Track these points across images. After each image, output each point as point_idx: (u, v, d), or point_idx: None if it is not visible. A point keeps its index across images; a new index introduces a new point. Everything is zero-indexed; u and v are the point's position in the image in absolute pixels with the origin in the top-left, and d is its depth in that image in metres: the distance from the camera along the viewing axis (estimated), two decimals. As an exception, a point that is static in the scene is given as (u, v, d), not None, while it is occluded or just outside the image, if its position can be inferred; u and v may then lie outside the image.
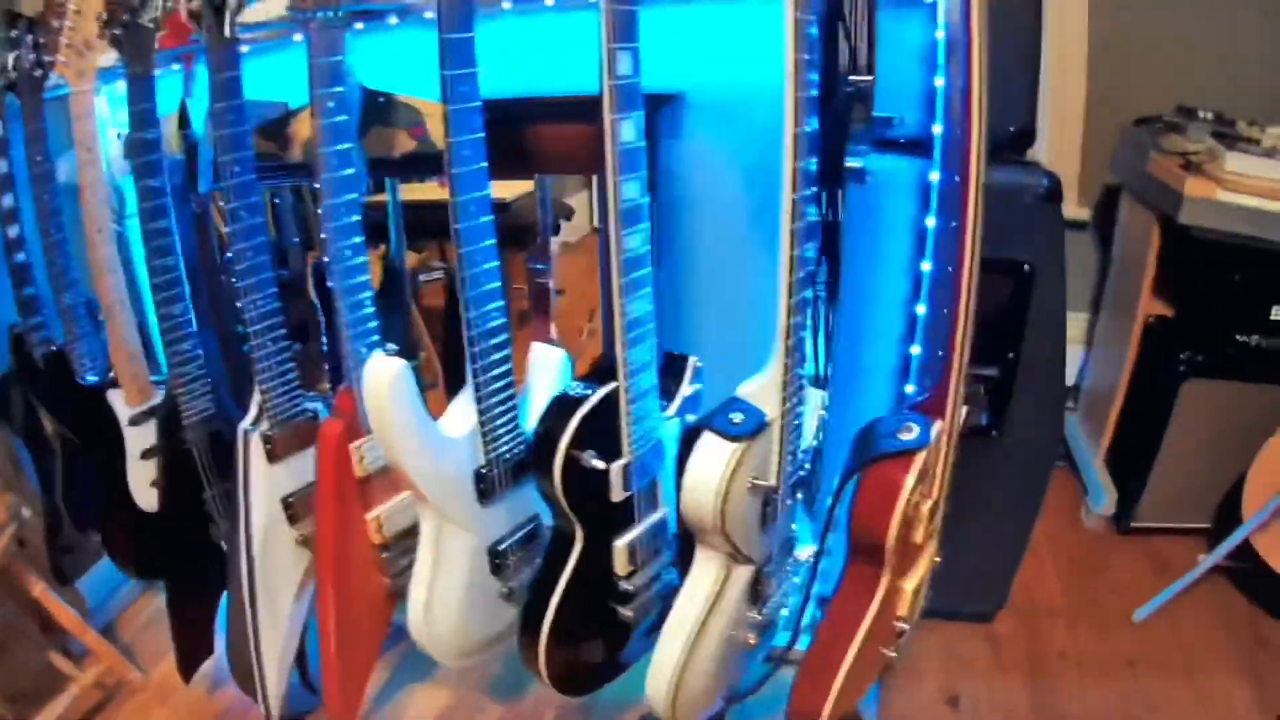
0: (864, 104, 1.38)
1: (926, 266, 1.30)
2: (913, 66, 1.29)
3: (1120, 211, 2.03)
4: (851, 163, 1.35)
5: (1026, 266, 1.40)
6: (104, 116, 1.59)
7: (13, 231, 1.51)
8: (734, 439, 1.05)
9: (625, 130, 1.01)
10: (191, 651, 1.55)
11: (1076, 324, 2.25)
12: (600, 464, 1.12)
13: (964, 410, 1.21)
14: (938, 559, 1.30)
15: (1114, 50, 1.99)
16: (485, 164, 1.11)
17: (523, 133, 1.38)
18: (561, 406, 1.12)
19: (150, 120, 1.33)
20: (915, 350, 1.36)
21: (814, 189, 1.04)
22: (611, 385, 1.12)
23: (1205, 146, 1.69)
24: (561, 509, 1.14)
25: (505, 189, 1.67)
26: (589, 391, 1.12)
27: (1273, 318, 1.71)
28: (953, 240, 1.11)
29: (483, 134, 1.09)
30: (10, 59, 1.42)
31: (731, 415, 1.07)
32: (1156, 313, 1.86)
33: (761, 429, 1.07)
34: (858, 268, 1.40)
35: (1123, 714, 1.53)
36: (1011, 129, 1.36)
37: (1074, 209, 2.15)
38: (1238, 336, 1.73)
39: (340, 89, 1.18)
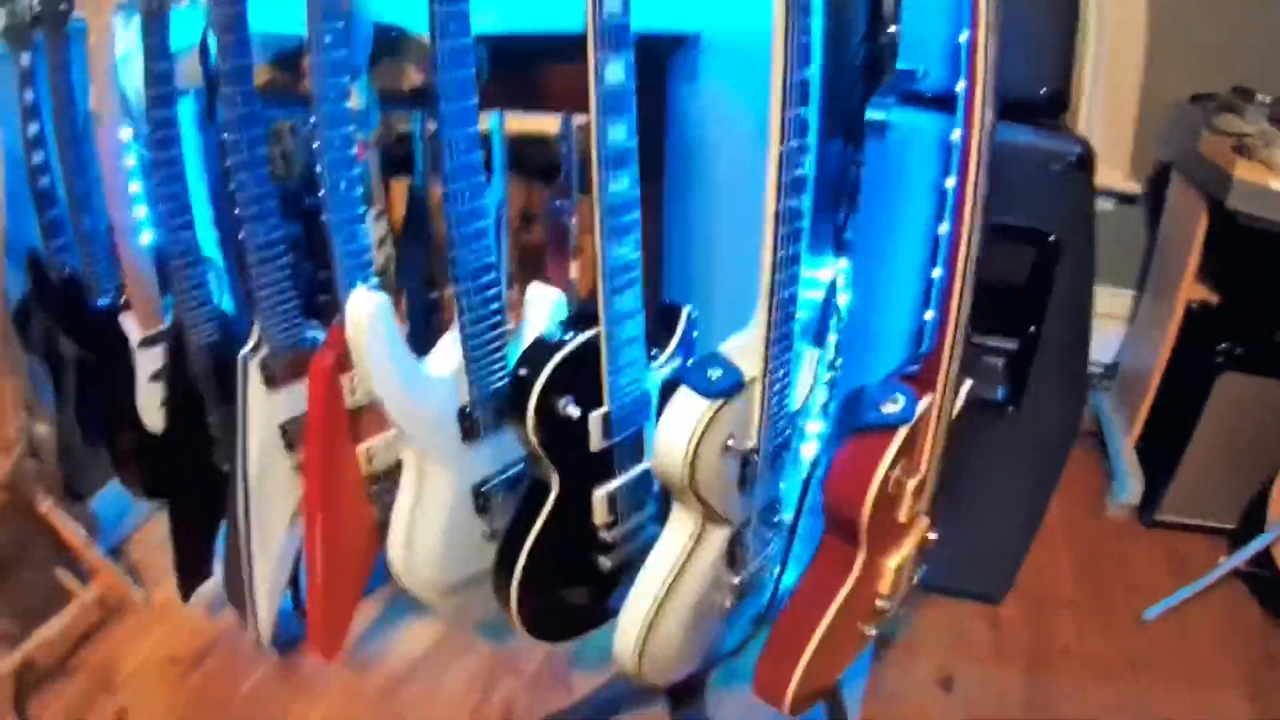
0: (887, 56, 1.34)
1: (945, 229, 1.25)
2: (940, 18, 1.24)
3: (1169, 190, 1.94)
4: (873, 115, 1.30)
5: (1052, 237, 1.33)
6: (129, 47, 1.61)
7: (37, 158, 1.55)
8: (709, 396, 1.02)
9: (612, 71, 0.98)
10: (191, 573, 1.58)
11: (1121, 301, 2.16)
12: (575, 411, 1.10)
13: (967, 383, 1.17)
14: (932, 536, 1.26)
15: (1175, 23, 1.89)
16: (475, 101, 1.09)
17: (541, 69, 1.37)
18: (539, 350, 1.10)
19: (163, 53, 1.34)
20: (929, 316, 1.31)
21: (805, 140, 1.00)
22: (592, 332, 1.10)
23: (1260, 130, 1.59)
24: (535, 454, 1.13)
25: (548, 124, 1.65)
26: (568, 336, 1.10)
27: (1319, 314, 1.62)
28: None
29: (472, 72, 1.07)
30: (35, -7, 1.45)
31: (710, 371, 1.04)
32: (1199, 298, 1.77)
33: (739, 388, 1.04)
34: (874, 225, 1.35)
35: (1118, 717, 1.48)
36: (1042, 92, 1.29)
37: (1125, 183, 2.06)
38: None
39: (338, 23, 1.16)
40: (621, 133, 1.01)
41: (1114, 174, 2.04)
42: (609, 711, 1.47)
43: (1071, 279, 1.36)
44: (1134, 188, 2.06)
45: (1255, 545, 1.56)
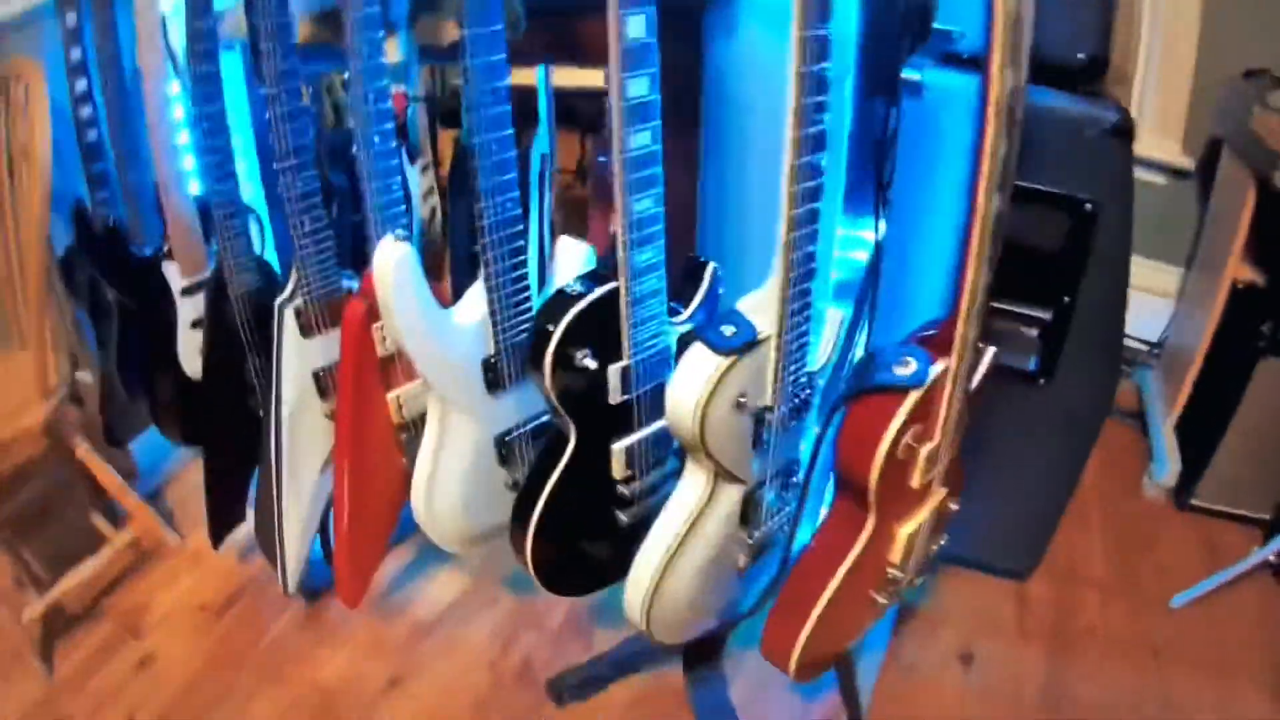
0: (926, 16, 1.32)
1: (979, 191, 1.24)
2: (979, -22, 1.22)
3: (1220, 166, 1.88)
4: (909, 75, 1.29)
5: (1088, 205, 1.31)
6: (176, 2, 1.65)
7: (85, 113, 1.59)
8: (721, 352, 1.02)
9: (633, 25, 0.98)
10: (223, 518, 1.63)
11: (1170, 277, 2.11)
12: (592, 364, 1.11)
13: (990, 350, 1.15)
14: (953, 507, 1.24)
15: (1231, -3, 1.83)
16: (504, 55, 1.10)
17: (590, 23, 1.37)
18: (558, 302, 1.11)
19: (205, 9, 1.37)
20: (962, 279, 1.30)
21: (823, 97, 0.99)
22: (611, 285, 1.11)
23: (1312, 107, 1.55)
24: (553, 405, 1.14)
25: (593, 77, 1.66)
26: (587, 289, 1.11)
27: (1364, 301, 1.56)
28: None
29: (500, 26, 1.08)
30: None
31: (724, 328, 1.04)
32: (1246, 279, 1.72)
33: (753, 345, 1.04)
34: (911, 185, 1.34)
35: (1135, 705, 1.45)
36: (1081, 56, 1.27)
37: (1178, 156, 2.01)
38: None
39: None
40: (643, 87, 1.02)
41: (1167, 147, 1.99)
42: (627, 669, 1.48)
43: (1108, 249, 1.34)
44: (1186, 163, 2.01)
45: (1287, 537, 1.52)
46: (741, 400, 1.06)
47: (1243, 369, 1.63)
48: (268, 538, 1.50)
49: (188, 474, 1.90)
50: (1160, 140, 2.00)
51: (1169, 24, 1.85)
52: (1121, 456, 1.94)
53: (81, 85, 1.60)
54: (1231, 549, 1.69)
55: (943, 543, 1.28)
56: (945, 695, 1.46)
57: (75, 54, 1.59)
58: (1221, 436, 1.68)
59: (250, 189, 1.65)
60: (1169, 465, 1.83)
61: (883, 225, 1.40)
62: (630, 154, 1.03)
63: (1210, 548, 1.73)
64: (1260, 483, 1.71)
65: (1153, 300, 2.10)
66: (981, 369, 1.13)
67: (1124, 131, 1.27)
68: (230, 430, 1.55)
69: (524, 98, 1.66)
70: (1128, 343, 2.14)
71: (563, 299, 1.11)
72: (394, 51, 1.42)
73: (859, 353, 1.32)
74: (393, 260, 1.14)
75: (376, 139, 1.24)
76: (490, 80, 1.10)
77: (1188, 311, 2.02)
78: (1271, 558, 1.59)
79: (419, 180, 1.60)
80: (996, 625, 1.57)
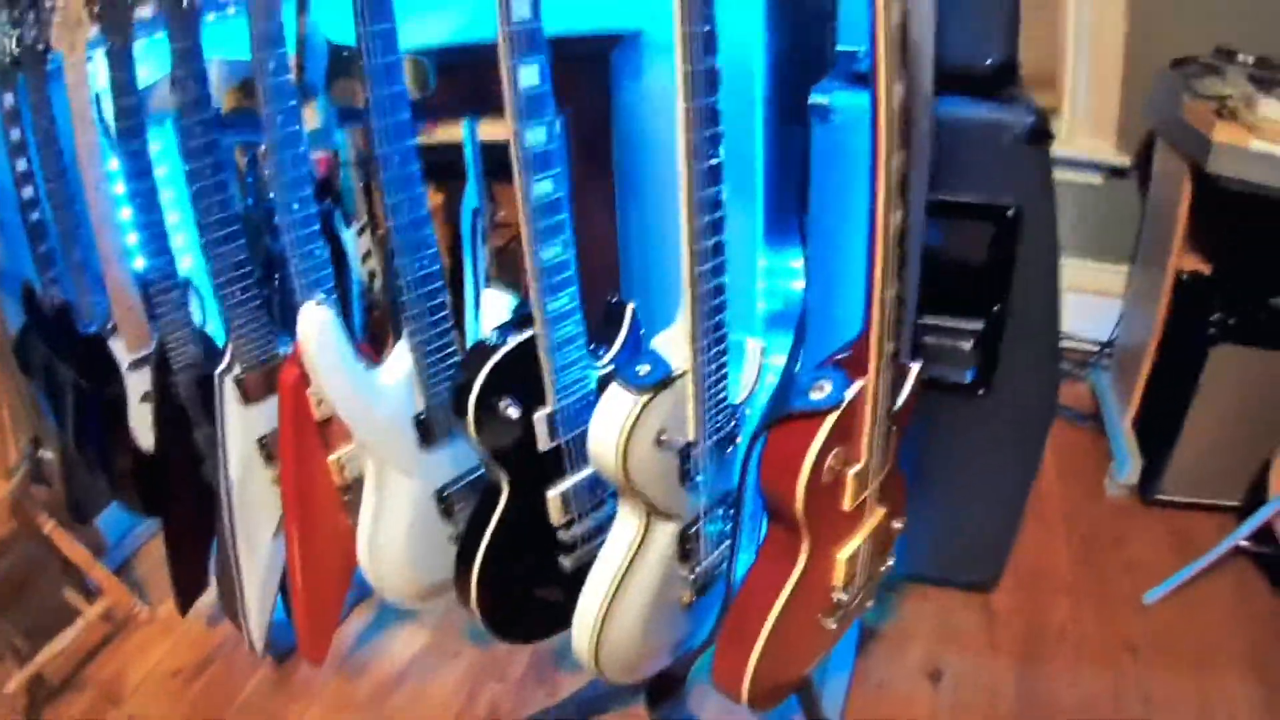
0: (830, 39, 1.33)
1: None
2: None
3: (1155, 159, 1.88)
4: (816, 99, 1.30)
5: (1010, 211, 1.31)
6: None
7: (27, 193, 1.61)
8: (637, 390, 1.03)
9: (526, 75, 0.99)
10: (188, 587, 1.63)
11: (1116, 277, 2.11)
12: (515, 413, 1.12)
13: (915, 366, 1.15)
14: (896, 525, 1.24)
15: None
16: (408, 116, 1.11)
17: (491, 76, 1.39)
18: (477, 353, 1.12)
19: (130, 89, 1.39)
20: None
21: (719, 130, 1.00)
22: (528, 333, 1.11)
23: (1241, 91, 1.54)
24: (483, 456, 1.15)
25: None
26: (504, 339, 1.12)
27: (1312, 282, 1.56)
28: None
29: (403, 88, 1.10)
30: (15, 36, 1.51)
31: (639, 366, 1.05)
32: (1190, 269, 1.72)
33: (668, 381, 1.04)
34: (827, 209, 1.34)
35: (1115, 705, 1.44)
36: (989, 61, 1.27)
37: (1114, 154, 2.01)
38: (1273, 300, 1.58)
39: (281, 49, 1.20)
40: (541, 135, 1.03)
41: (1102, 147, 2.00)
42: (591, 711, 1.48)
43: (1035, 253, 1.33)
44: (1123, 160, 2.01)
45: (1256, 519, 1.51)
46: (663, 437, 1.06)
47: (1195, 358, 1.63)
48: (231, 603, 1.51)
49: (154, 545, 1.90)
50: (1095, 140, 2.00)
51: (1095, 23, 1.86)
52: (1081, 459, 1.93)
53: (22, 165, 1.62)
54: (1202, 539, 1.68)
55: (891, 562, 1.28)
56: (916, 712, 1.44)
57: (15, 134, 1.62)
58: (1181, 428, 1.68)
59: (192, 261, 1.67)
60: (1130, 463, 1.82)
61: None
62: (533, 203, 1.04)
63: (1181, 540, 1.72)
64: (1225, 469, 1.70)
65: (1101, 301, 2.09)
66: (907, 385, 1.13)
67: (1041, 133, 1.27)
68: (186, 500, 1.56)
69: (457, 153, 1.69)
70: (1078, 345, 2.15)
71: (481, 350, 1.12)
72: (312, 117, 1.44)
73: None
74: (315, 324, 1.15)
75: (295, 206, 1.25)
76: (396, 141, 1.12)
77: (1135, 308, 2.02)
78: (1243, 542, 1.57)
79: (356, 243, 1.61)
80: (964, 639, 1.56)
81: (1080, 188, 2.01)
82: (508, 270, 1.75)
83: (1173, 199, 1.71)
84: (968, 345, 1.40)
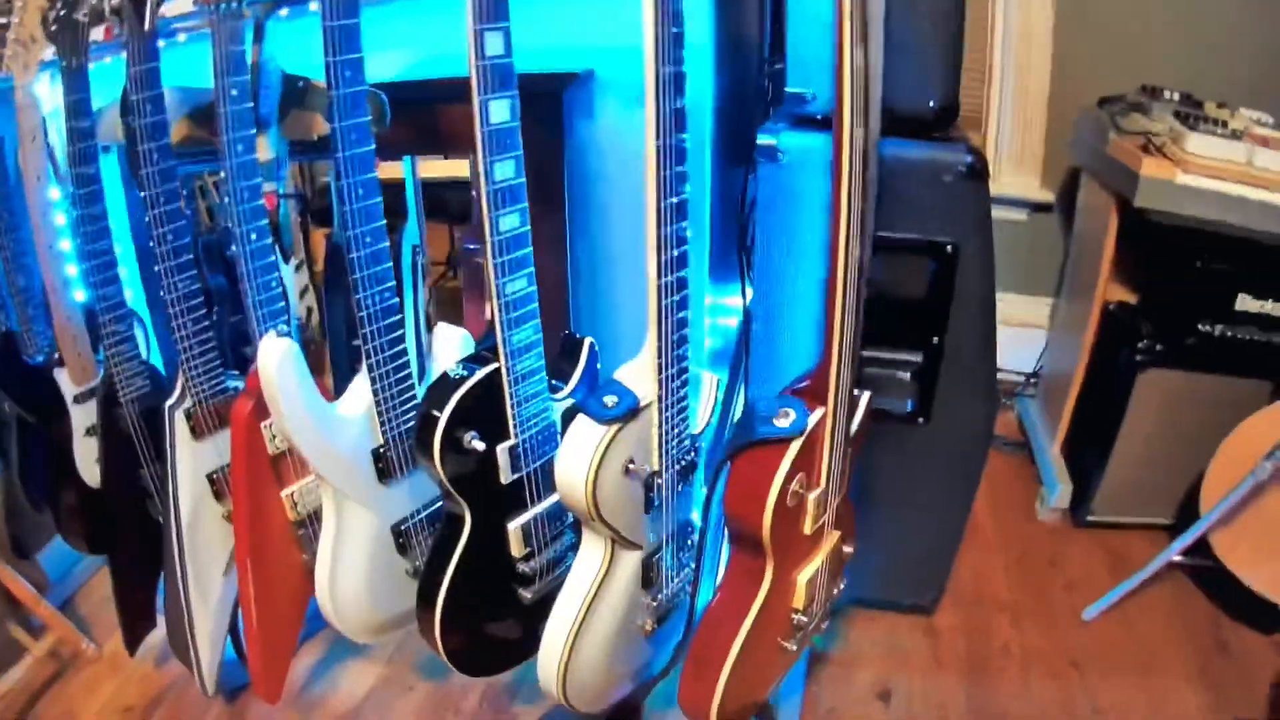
0: (775, 80, 1.37)
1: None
2: (827, 40, 1.27)
3: (1080, 194, 1.97)
4: (764, 139, 1.34)
5: (949, 247, 1.36)
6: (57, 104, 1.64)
7: (-31, 221, 1.57)
8: (604, 422, 1.05)
9: (497, 111, 1.01)
10: (136, 625, 1.59)
11: (1040, 309, 2.19)
12: (480, 445, 1.13)
13: (865, 395, 1.19)
14: (847, 549, 1.28)
15: (1080, 27, 1.93)
16: (372, 147, 1.12)
17: (445, 113, 1.40)
18: (441, 387, 1.13)
19: (84, 111, 1.37)
20: (830, 332, 1.34)
21: (683, 168, 1.03)
22: (493, 366, 1.12)
23: (1167, 127, 1.63)
24: (445, 489, 1.15)
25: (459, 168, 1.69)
26: (468, 372, 1.13)
27: (1236, 307, 1.64)
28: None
29: (368, 119, 1.11)
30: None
31: (605, 398, 1.06)
32: (1117, 299, 1.80)
33: (634, 412, 1.06)
34: (773, 247, 1.38)
35: (1067, 715, 1.49)
36: (932, 104, 1.32)
37: (1038, 191, 2.09)
38: (1200, 326, 1.66)
39: (243, 77, 1.20)
40: (509, 170, 1.05)
41: (1027, 183, 2.08)
42: (550, 740, 1.48)
43: (972, 287, 1.39)
44: (1047, 196, 2.10)
45: (1188, 535, 1.57)
46: (629, 467, 1.08)
47: (1123, 383, 1.70)
48: (180, 642, 1.48)
49: (98, 582, 1.85)
50: (1020, 178, 2.08)
51: (1020, 63, 1.94)
52: (1012, 485, 2.00)
53: (-32, 192, 1.58)
54: (1137, 557, 1.74)
55: (843, 585, 1.31)
56: (870, 733, 1.48)
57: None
58: (1111, 451, 1.75)
59: (131, 293, 1.64)
60: (1060, 487, 1.89)
61: (749, 291, 1.44)
62: (500, 236, 1.06)
63: (1114, 559, 1.79)
64: (1154, 490, 1.78)
65: (1026, 332, 2.18)
66: (859, 414, 1.17)
67: (979, 172, 1.33)
68: (133, 537, 1.52)
69: (393, 191, 1.69)
70: (1006, 375, 2.23)
71: (446, 383, 1.13)
72: (264, 149, 1.43)
73: (737, 415, 1.35)
74: (276, 356, 1.14)
75: (253, 236, 1.25)
76: (360, 172, 1.12)
77: (1062, 338, 2.10)
78: (1178, 557, 1.64)
79: (293, 279, 1.60)
80: (910, 659, 1.60)
81: (1006, 224, 2.09)
82: (443, 307, 1.76)
83: (1099, 232, 1.79)
84: (907, 376, 1.45)
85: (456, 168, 1.71)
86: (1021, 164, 2.05)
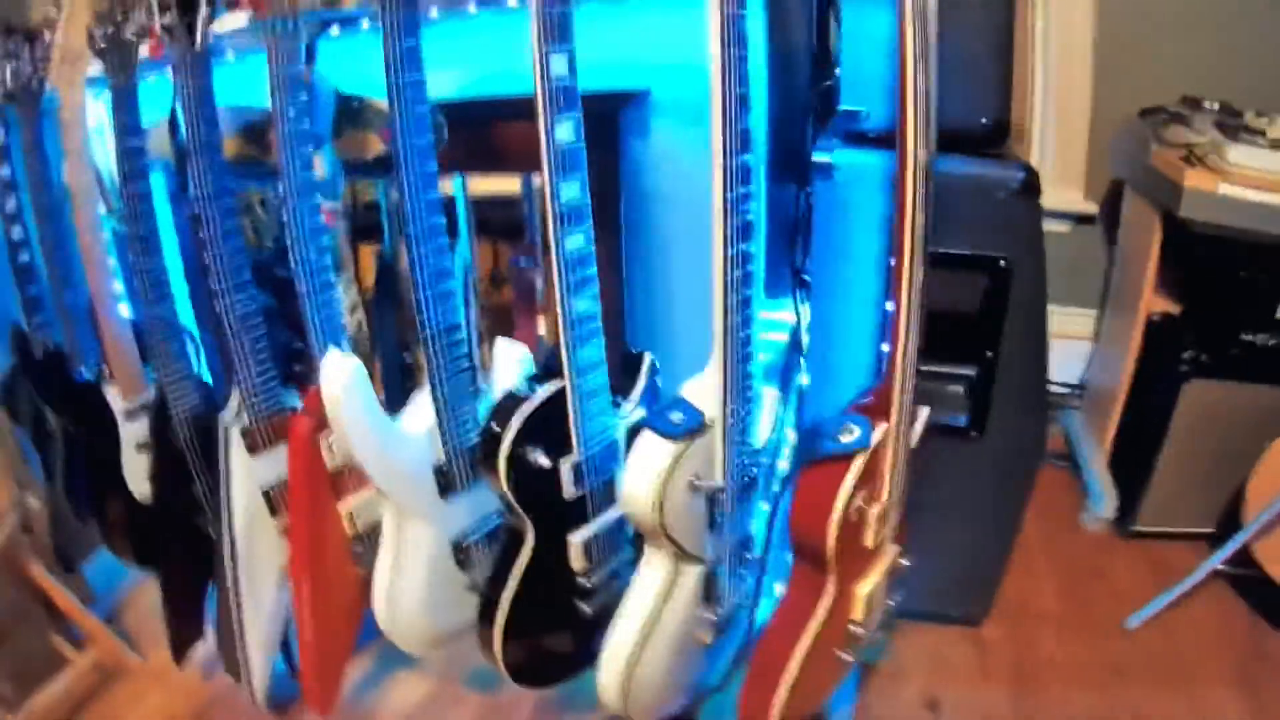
0: (830, 98, 1.38)
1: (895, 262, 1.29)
2: (880, 59, 1.28)
3: (1124, 206, 1.98)
4: (819, 157, 1.35)
5: (1002, 262, 1.37)
6: (101, 121, 1.66)
7: (16, 234, 1.58)
8: (671, 438, 1.05)
9: (562, 131, 1.02)
10: (183, 636, 1.60)
11: (1084, 321, 2.20)
12: (545, 462, 1.13)
13: (924, 410, 1.20)
14: (904, 562, 1.28)
15: (1121, 40, 1.94)
16: (435, 167, 1.13)
17: (499, 131, 1.41)
18: (508, 404, 1.13)
19: (133, 129, 1.38)
20: (885, 348, 1.34)
21: (749, 187, 1.04)
22: (558, 384, 1.13)
23: (1208, 138, 1.64)
24: (510, 506, 1.16)
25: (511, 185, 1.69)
26: (534, 390, 1.13)
27: (1279, 317, 1.65)
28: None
29: (431, 138, 1.11)
30: (9, 70, 1.49)
31: (671, 415, 1.07)
32: (1160, 310, 1.81)
33: (700, 429, 1.07)
34: (828, 263, 1.39)
35: (1107, 721, 1.49)
36: (984, 121, 1.33)
37: (1082, 203, 2.10)
38: (1243, 335, 1.67)
39: (302, 96, 1.21)
40: (574, 190, 1.05)
41: (1070, 196, 2.08)
42: (601, 752, 1.48)
43: (1025, 302, 1.40)
44: (1090, 208, 2.11)
45: (1231, 544, 1.58)
46: (695, 483, 1.09)
47: (1168, 395, 1.71)
48: (231, 654, 1.48)
49: (142, 594, 1.86)
50: (1062, 190, 2.09)
51: (1061, 76, 1.95)
52: (1057, 498, 2.00)
53: (11, 205, 1.59)
54: (1180, 566, 1.74)
55: (897, 597, 1.32)
56: (918, 744, 1.48)
57: (4, 172, 1.59)
58: (1155, 462, 1.75)
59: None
60: (1106, 498, 1.89)
61: (805, 308, 1.45)
62: (566, 256, 1.06)
63: (1159, 569, 1.79)
64: (1200, 499, 1.77)
65: (1070, 344, 2.18)
66: (918, 428, 1.18)
67: (1031, 189, 1.34)
68: (183, 551, 1.53)
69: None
70: (1050, 388, 2.22)
71: (512, 401, 1.14)
72: (318, 168, 1.44)
73: (786, 431, 1.35)
74: (342, 375, 1.15)
75: (313, 253, 1.26)
76: (424, 192, 1.13)
77: (1106, 350, 2.11)
78: (1221, 565, 1.64)
79: (342, 294, 1.61)
80: (958, 670, 1.60)
81: (1049, 236, 2.08)
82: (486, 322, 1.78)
83: (1142, 244, 1.80)
84: (961, 391, 1.45)
85: (499, 185, 1.72)
86: (1064, 176, 2.06)
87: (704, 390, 1.10)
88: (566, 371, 1.11)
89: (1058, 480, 2.08)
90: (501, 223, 1.63)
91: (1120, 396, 1.90)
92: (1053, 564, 1.84)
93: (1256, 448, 1.61)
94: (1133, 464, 1.84)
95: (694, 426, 1.06)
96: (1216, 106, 1.76)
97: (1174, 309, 1.79)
